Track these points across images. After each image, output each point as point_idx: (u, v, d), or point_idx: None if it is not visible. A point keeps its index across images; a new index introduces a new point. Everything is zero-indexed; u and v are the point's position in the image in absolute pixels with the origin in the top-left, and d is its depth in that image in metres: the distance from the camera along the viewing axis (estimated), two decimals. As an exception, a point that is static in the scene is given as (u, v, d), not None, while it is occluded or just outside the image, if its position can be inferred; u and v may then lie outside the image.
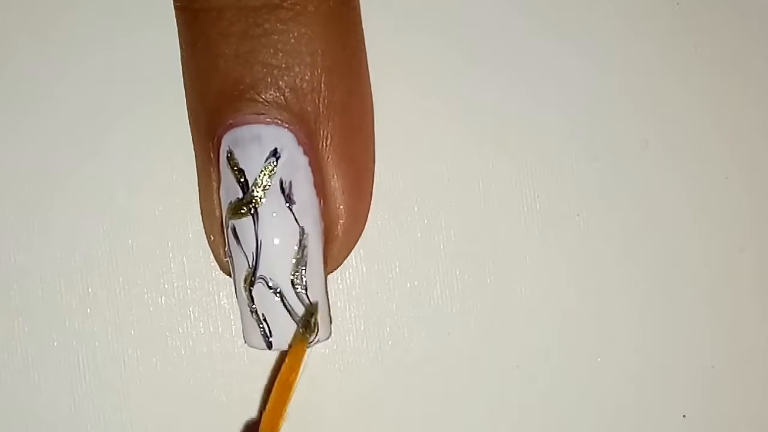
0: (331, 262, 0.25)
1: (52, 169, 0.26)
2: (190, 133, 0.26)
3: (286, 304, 0.23)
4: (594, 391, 0.27)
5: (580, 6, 0.27)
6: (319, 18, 0.23)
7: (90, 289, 0.26)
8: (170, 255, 0.26)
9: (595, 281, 0.27)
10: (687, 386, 0.27)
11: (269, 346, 0.24)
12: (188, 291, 0.26)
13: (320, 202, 0.24)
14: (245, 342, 0.24)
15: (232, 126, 0.23)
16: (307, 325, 0.23)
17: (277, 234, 0.23)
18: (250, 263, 0.23)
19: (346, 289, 0.27)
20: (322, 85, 0.23)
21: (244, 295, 0.23)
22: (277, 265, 0.23)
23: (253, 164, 0.23)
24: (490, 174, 0.27)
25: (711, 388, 0.28)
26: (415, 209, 0.27)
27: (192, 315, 0.26)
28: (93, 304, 0.26)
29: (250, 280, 0.23)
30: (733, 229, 0.27)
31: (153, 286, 0.26)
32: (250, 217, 0.23)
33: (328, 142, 0.24)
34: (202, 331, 0.26)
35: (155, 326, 0.26)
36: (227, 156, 0.23)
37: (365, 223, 0.25)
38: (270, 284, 0.23)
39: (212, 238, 0.25)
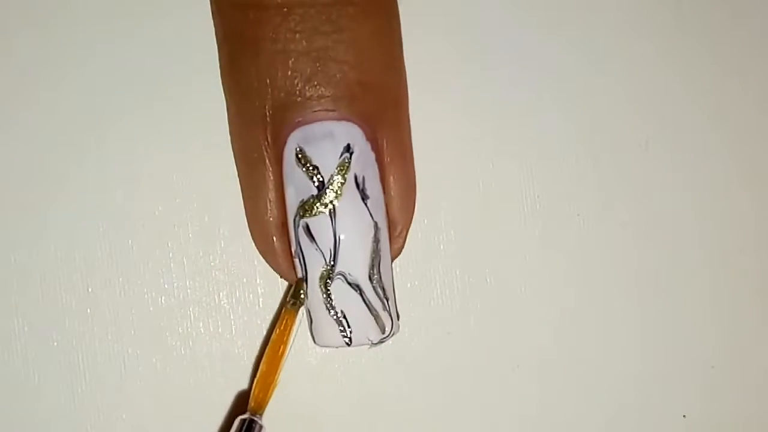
0: (393, 255, 0.25)
1: (51, 169, 0.26)
2: (190, 133, 0.26)
3: (365, 298, 0.23)
4: (594, 391, 0.27)
5: (581, 6, 0.27)
6: (384, 14, 0.23)
7: (90, 289, 0.26)
8: (170, 255, 0.26)
9: (595, 281, 0.27)
10: (687, 386, 0.27)
11: (348, 342, 0.23)
12: (188, 291, 0.26)
13: (385, 197, 0.24)
14: (316, 342, 0.24)
15: (301, 123, 0.23)
16: (297, 295, 0.24)
17: (356, 229, 0.23)
18: (328, 260, 0.23)
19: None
20: (388, 81, 0.24)
21: (320, 293, 0.23)
22: (357, 260, 0.23)
23: (327, 161, 0.23)
24: (490, 174, 0.27)
25: (711, 388, 0.28)
26: (415, 209, 0.27)
27: (192, 315, 0.26)
28: (93, 304, 0.26)
29: (327, 278, 0.23)
30: (733, 229, 0.27)
31: (153, 286, 0.26)
32: (327, 213, 0.23)
33: (387, 139, 0.24)
34: (202, 331, 0.26)
35: (155, 326, 0.26)
36: (297, 154, 0.23)
37: (413, 217, 0.25)
38: (349, 280, 0.23)
39: (273, 239, 0.24)
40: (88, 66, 0.26)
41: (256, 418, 0.24)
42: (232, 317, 0.26)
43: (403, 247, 0.25)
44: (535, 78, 0.27)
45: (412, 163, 0.25)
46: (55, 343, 0.26)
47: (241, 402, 0.26)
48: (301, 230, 0.23)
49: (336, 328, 0.23)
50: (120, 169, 0.26)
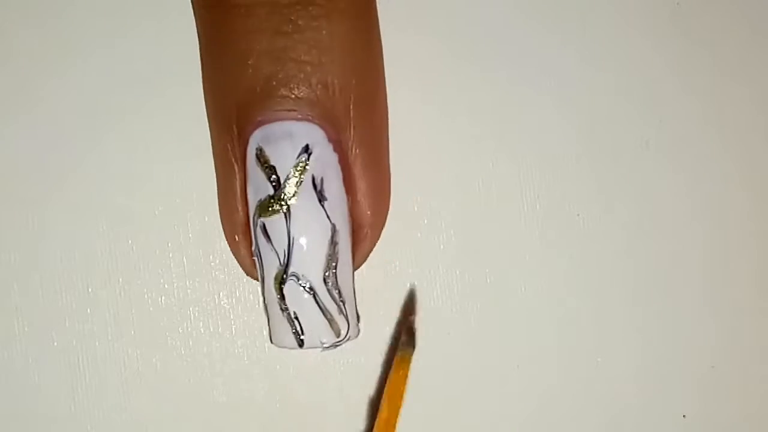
0: (359, 259, 0.25)
1: (51, 169, 0.26)
2: (190, 133, 0.26)
3: (318, 301, 0.23)
4: (594, 391, 0.27)
5: (581, 6, 0.27)
6: (349, 15, 0.23)
7: (90, 289, 0.26)
8: (170, 255, 0.26)
9: (595, 281, 0.27)
10: (687, 386, 0.27)
11: (301, 344, 0.23)
12: (188, 291, 0.26)
13: (349, 200, 0.24)
14: (272, 342, 0.24)
15: (261, 123, 0.23)
16: (410, 335, 0.23)
17: (310, 231, 0.23)
18: (282, 261, 0.23)
19: (346, 289, 0.26)
20: (354, 82, 0.23)
21: (275, 294, 0.23)
22: (310, 263, 0.23)
23: (285, 161, 0.23)
24: (490, 174, 0.27)
25: (711, 388, 0.28)
26: (415, 209, 0.27)
27: (192, 315, 0.26)
28: (93, 304, 0.26)
29: (281, 278, 0.23)
30: (733, 229, 0.27)
31: (153, 286, 0.26)
32: (282, 214, 0.23)
33: (356, 140, 0.24)
34: (202, 331, 0.26)
35: (155, 326, 0.26)
36: (257, 153, 0.23)
37: (386, 222, 0.25)
38: (302, 282, 0.23)
39: (237, 238, 0.24)
40: (88, 66, 0.26)
41: None
42: (232, 317, 0.26)
43: (370, 250, 0.25)
44: (535, 78, 0.27)
45: (384, 165, 0.25)
46: (55, 343, 0.26)
47: None
48: (258, 230, 0.23)
49: (289, 329, 0.23)
50: (120, 169, 0.26)
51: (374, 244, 0.25)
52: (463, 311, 0.27)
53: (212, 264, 0.26)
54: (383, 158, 0.25)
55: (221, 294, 0.26)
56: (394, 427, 0.23)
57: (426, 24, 0.27)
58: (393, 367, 0.23)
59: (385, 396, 0.23)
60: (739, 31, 0.28)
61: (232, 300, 0.26)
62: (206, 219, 0.26)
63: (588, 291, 0.27)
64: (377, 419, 0.23)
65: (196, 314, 0.26)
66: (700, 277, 0.27)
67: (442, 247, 0.27)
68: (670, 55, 0.27)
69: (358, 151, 0.24)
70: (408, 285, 0.27)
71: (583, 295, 0.27)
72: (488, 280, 0.27)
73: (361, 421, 0.27)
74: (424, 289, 0.27)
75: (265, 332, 0.25)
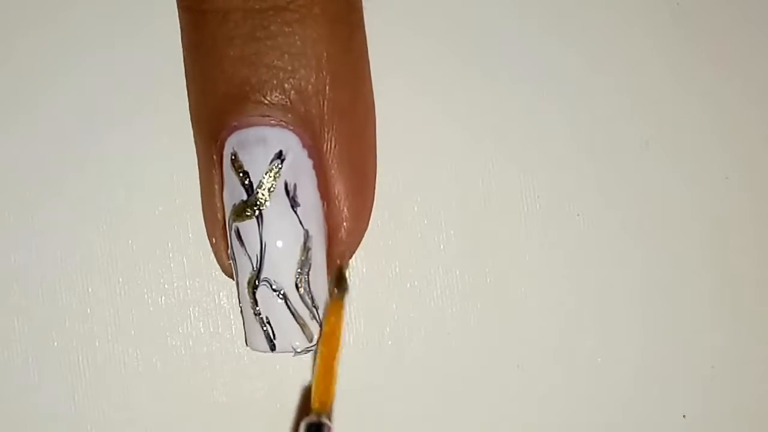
0: (334, 264, 0.24)
1: (51, 169, 0.26)
2: (190, 133, 0.26)
3: (290, 306, 0.23)
4: (594, 391, 0.27)
5: (580, 6, 0.27)
6: (324, 20, 0.23)
7: (90, 289, 0.26)
8: (170, 255, 0.26)
9: (595, 281, 0.27)
10: (687, 386, 0.27)
11: (272, 348, 0.23)
12: (188, 291, 0.26)
13: (324, 204, 0.24)
14: (247, 345, 0.24)
15: (236, 128, 0.23)
16: (340, 284, 0.23)
17: (282, 236, 0.23)
18: (254, 266, 0.23)
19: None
20: (327, 88, 0.23)
21: (248, 297, 0.23)
22: (281, 268, 0.23)
23: (257, 166, 0.23)
24: (490, 174, 0.27)
25: (711, 388, 0.28)
26: (415, 209, 0.27)
27: (192, 315, 0.26)
28: (93, 304, 0.26)
29: (254, 283, 0.23)
30: (733, 229, 0.27)
31: (153, 286, 0.26)
32: (255, 219, 0.23)
33: (332, 145, 0.24)
34: (202, 331, 0.26)
35: (155, 326, 0.26)
36: (231, 158, 0.23)
37: (367, 226, 0.25)
38: (274, 287, 0.23)
39: (215, 240, 0.25)
40: (88, 66, 0.26)
41: (324, 420, 0.23)
42: (232, 317, 0.26)
43: (352, 251, 0.25)
44: (535, 78, 0.27)
45: (365, 167, 0.25)
46: (55, 343, 0.26)
47: (305, 401, 0.26)
48: (233, 234, 0.23)
49: (262, 333, 0.23)
50: (120, 169, 0.26)
51: (354, 248, 0.25)
52: (463, 311, 0.27)
53: (212, 264, 0.26)
54: (365, 160, 0.25)
55: (221, 294, 0.26)
56: (333, 363, 0.23)
57: (426, 24, 0.27)
58: (327, 312, 0.23)
59: (322, 338, 0.23)
60: (739, 31, 0.28)
61: (232, 300, 0.26)
62: (206, 219, 0.26)
63: (588, 291, 0.27)
64: (317, 358, 0.23)
65: (196, 314, 0.26)
66: (700, 277, 0.27)
67: (442, 247, 0.27)
68: (670, 55, 0.27)
69: (335, 154, 0.24)
70: (408, 285, 0.27)
71: (583, 295, 0.27)
72: (488, 280, 0.27)
73: (361, 421, 0.27)
74: (424, 289, 0.27)
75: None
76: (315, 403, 0.23)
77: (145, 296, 0.26)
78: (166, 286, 0.26)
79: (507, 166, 0.27)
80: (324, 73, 0.23)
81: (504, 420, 0.27)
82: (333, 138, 0.24)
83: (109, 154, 0.26)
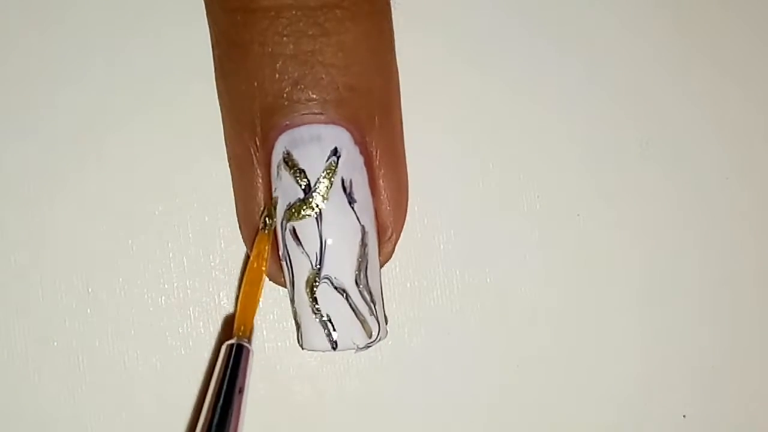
0: (383, 259, 0.25)
1: (52, 169, 0.26)
2: (190, 134, 0.26)
3: (351, 303, 0.23)
4: (594, 391, 0.27)
5: (580, 6, 0.27)
6: (374, 17, 0.23)
7: (90, 289, 0.26)
8: (170, 255, 0.26)
9: (594, 281, 0.27)
10: (687, 386, 0.27)
11: (334, 346, 0.23)
12: (188, 291, 0.26)
13: (374, 201, 0.24)
14: (303, 347, 0.24)
15: (288, 127, 0.23)
16: (270, 216, 0.24)
17: (343, 233, 0.23)
18: (314, 264, 0.23)
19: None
20: (377, 84, 0.23)
21: (306, 297, 0.23)
22: (343, 264, 0.23)
23: (314, 164, 0.23)
24: (490, 174, 0.27)
25: (711, 388, 0.28)
26: (415, 209, 0.27)
27: (192, 315, 0.26)
28: (93, 304, 0.26)
29: (314, 282, 0.23)
30: (733, 229, 0.28)
31: (153, 286, 0.26)
32: (314, 217, 0.23)
33: (379, 141, 0.24)
34: (202, 331, 0.26)
35: (155, 326, 0.26)
36: (284, 157, 0.23)
37: (405, 222, 0.25)
38: (335, 284, 0.23)
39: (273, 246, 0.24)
40: (88, 66, 0.26)
41: (243, 342, 0.23)
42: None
43: (393, 251, 0.25)
44: (535, 78, 0.27)
45: (403, 167, 0.25)
46: (55, 343, 0.26)
47: (227, 330, 0.26)
48: (288, 234, 0.23)
49: (322, 332, 0.23)
50: (120, 169, 0.26)
51: (395, 245, 0.25)
52: (463, 311, 0.27)
53: (212, 264, 0.26)
54: (402, 159, 0.25)
55: (221, 294, 0.26)
56: (256, 290, 0.24)
57: (426, 26, 0.27)
58: (255, 242, 0.24)
59: (248, 267, 0.24)
60: (739, 31, 0.28)
61: (232, 300, 0.26)
62: (206, 219, 0.26)
63: (588, 291, 0.27)
64: (239, 299, 0.24)
65: (196, 314, 0.26)
66: (700, 277, 0.27)
67: (442, 247, 0.27)
68: (670, 55, 0.27)
69: (380, 152, 0.24)
70: (408, 285, 0.27)
71: (583, 294, 0.27)
72: (488, 280, 0.27)
73: (361, 421, 0.27)
74: (424, 289, 0.27)
75: (264, 331, 0.25)
76: (237, 328, 0.24)
77: (145, 296, 0.26)
78: (166, 286, 0.26)
79: (507, 166, 0.27)
80: (374, 69, 0.23)
81: (504, 420, 0.27)
82: (378, 135, 0.24)
83: (109, 154, 0.26)
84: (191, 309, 0.26)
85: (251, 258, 0.24)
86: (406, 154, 0.26)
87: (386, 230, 0.24)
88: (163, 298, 0.26)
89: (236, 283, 0.26)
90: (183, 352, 0.26)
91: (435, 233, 0.27)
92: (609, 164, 0.27)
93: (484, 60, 0.27)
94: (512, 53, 0.27)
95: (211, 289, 0.26)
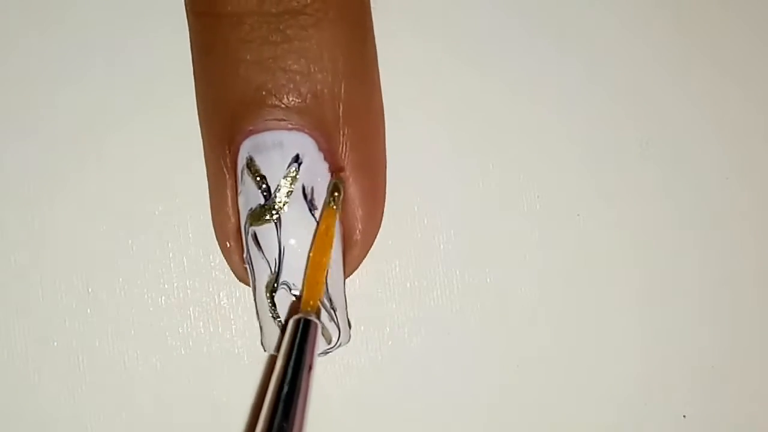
0: (349, 266, 0.25)
1: (52, 169, 0.26)
2: (190, 134, 0.26)
3: None
4: (594, 391, 0.27)
5: (580, 6, 0.27)
6: (340, 24, 0.23)
7: (90, 289, 0.26)
8: (170, 255, 0.26)
9: (594, 281, 0.27)
10: (687, 386, 0.27)
11: None
12: (188, 291, 0.26)
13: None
14: (264, 349, 0.24)
15: (252, 132, 0.23)
16: (338, 191, 0.23)
17: (302, 240, 0.23)
18: (273, 269, 0.23)
19: (346, 289, 0.26)
20: (343, 92, 0.23)
21: (266, 301, 0.23)
22: (301, 272, 0.23)
23: (275, 170, 0.23)
24: (490, 174, 0.27)
25: (711, 388, 0.28)
26: (415, 209, 0.27)
27: (192, 315, 0.26)
28: (93, 304, 0.26)
29: (273, 287, 0.23)
30: (733, 229, 0.27)
31: (153, 286, 0.26)
32: (273, 223, 0.23)
33: (347, 148, 0.24)
34: (202, 331, 0.26)
35: (155, 326, 0.26)
36: (247, 162, 0.23)
37: (380, 228, 0.25)
38: (293, 291, 0.23)
39: (229, 245, 0.25)
40: (88, 66, 0.26)
41: (311, 318, 0.23)
42: (232, 317, 0.26)
43: (362, 257, 0.25)
44: (535, 78, 0.27)
45: (378, 172, 0.25)
46: (55, 343, 0.26)
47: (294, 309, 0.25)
48: (250, 238, 0.23)
49: (279, 336, 0.23)
50: (120, 169, 0.26)
51: (367, 250, 0.25)
52: (463, 311, 0.27)
53: (212, 264, 0.26)
54: (377, 163, 0.25)
55: (221, 294, 0.26)
56: (322, 266, 0.23)
57: (427, 25, 0.27)
58: (320, 219, 0.23)
59: (313, 245, 0.23)
60: (739, 31, 0.28)
61: (232, 300, 0.26)
62: (206, 219, 0.26)
63: (588, 291, 0.27)
64: (306, 275, 0.23)
65: (196, 314, 0.26)
66: (700, 277, 0.27)
67: (442, 247, 0.27)
68: (670, 56, 0.27)
69: (349, 157, 0.24)
70: (408, 285, 0.27)
71: (583, 294, 0.27)
72: (488, 280, 0.27)
73: (361, 421, 0.27)
74: (424, 289, 0.27)
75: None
76: (303, 303, 0.23)
77: (145, 296, 0.26)
78: (166, 286, 0.26)
79: (507, 166, 0.27)
80: (340, 76, 0.23)
81: (504, 420, 0.27)
82: (347, 141, 0.24)
83: (109, 154, 0.26)
84: (191, 309, 0.26)
85: (319, 234, 0.23)
86: (407, 155, 0.26)
87: (353, 234, 0.24)
88: (163, 298, 0.26)
89: (236, 283, 0.26)
90: (183, 352, 0.26)
91: (435, 233, 0.27)
92: (609, 164, 0.27)
93: (483, 60, 0.27)
94: (512, 53, 0.27)
95: (211, 289, 0.26)
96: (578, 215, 0.27)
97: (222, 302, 0.26)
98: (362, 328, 0.27)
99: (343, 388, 0.27)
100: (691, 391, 0.28)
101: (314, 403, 0.27)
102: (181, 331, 0.26)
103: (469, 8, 0.27)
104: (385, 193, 0.25)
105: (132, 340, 0.26)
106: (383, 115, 0.25)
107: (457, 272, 0.27)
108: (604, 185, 0.27)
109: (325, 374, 0.27)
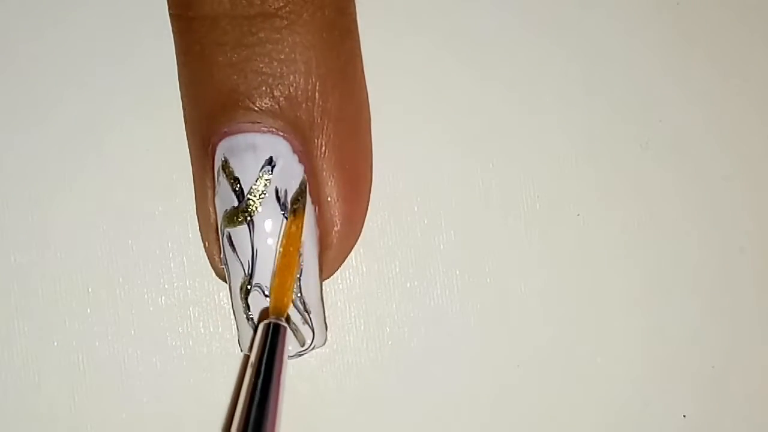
0: (327, 268, 0.25)
1: (52, 169, 0.26)
2: (190, 134, 0.26)
3: None
4: (594, 391, 0.27)
5: (580, 6, 0.27)
6: (313, 26, 0.23)
7: (90, 289, 0.26)
8: (170, 255, 0.26)
9: (595, 281, 0.27)
10: (687, 386, 0.27)
11: None
12: (188, 291, 0.26)
13: (315, 209, 0.24)
14: (241, 349, 0.24)
15: (227, 134, 0.23)
16: (303, 195, 0.23)
17: (275, 242, 0.23)
18: (246, 271, 0.23)
19: (346, 289, 0.27)
20: (317, 93, 0.23)
21: (240, 302, 0.23)
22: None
23: (248, 173, 0.23)
24: (490, 174, 0.27)
25: (711, 388, 0.28)
26: (415, 209, 0.27)
27: (192, 315, 0.26)
28: (93, 304, 0.26)
29: (246, 288, 0.23)
30: (733, 229, 0.27)
31: (153, 286, 0.26)
32: (246, 225, 0.23)
33: (324, 150, 0.24)
34: (202, 331, 0.26)
35: (155, 326, 0.26)
36: (222, 164, 0.23)
37: (361, 230, 0.25)
38: (266, 292, 0.23)
39: (207, 244, 0.25)
40: (89, 67, 0.26)
41: (280, 321, 0.23)
42: (232, 317, 0.26)
43: (344, 254, 0.25)
44: (535, 78, 0.27)
45: (358, 169, 0.25)
46: (55, 343, 0.26)
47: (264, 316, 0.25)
48: (225, 239, 0.23)
49: (252, 338, 0.23)
50: (120, 169, 0.26)
51: (348, 250, 0.25)
52: (463, 311, 0.27)
53: (212, 264, 0.26)
54: (357, 164, 0.25)
55: (221, 294, 0.26)
56: (291, 272, 0.23)
57: (427, 24, 0.27)
58: (287, 227, 0.23)
59: (281, 252, 0.23)
60: (739, 31, 0.28)
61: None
62: (206, 219, 0.26)
63: (588, 291, 0.27)
64: (274, 280, 0.23)
65: (196, 314, 0.26)
66: (700, 277, 0.27)
67: (442, 247, 0.27)
68: (670, 56, 0.27)
69: (326, 159, 0.24)
70: (408, 285, 0.27)
71: (583, 295, 0.27)
72: (488, 280, 0.27)
73: (361, 421, 0.27)
74: (424, 289, 0.27)
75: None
76: (272, 307, 0.23)
77: (145, 296, 0.26)
78: (166, 286, 0.26)
79: (507, 166, 0.27)
80: (313, 78, 0.23)
81: (504, 419, 0.27)
82: (324, 143, 0.24)
83: (109, 154, 0.26)
84: (191, 309, 0.26)
85: (284, 239, 0.23)
86: (407, 154, 0.26)
87: (329, 235, 0.24)
88: (163, 298, 0.26)
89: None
90: (183, 352, 0.26)
91: (435, 233, 0.27)
92: (609, 164, 0.27)
93: (485, 60, 0.27)
94: (512, 53, 0.27)
95: (211, 289, 0.26)
96: (578, 215, 0.27)
97: (222, 302, 0.26)
98: (362, 327, 0.27)
99: (344, 388, 0.27)
100: (691, 391, 0.27)
101: (314, 403, 0.27)
102: (181, 331, 0.26)
103: (470, 8, 0.27)
104: (368, 194, 0.25)
105: (132, 340, 0.26)
106: (366, 115, 0.25)
107: (457, 272, 0.27)
108: (604, 185, 0.27)
109: (325, 374, 0.27)
